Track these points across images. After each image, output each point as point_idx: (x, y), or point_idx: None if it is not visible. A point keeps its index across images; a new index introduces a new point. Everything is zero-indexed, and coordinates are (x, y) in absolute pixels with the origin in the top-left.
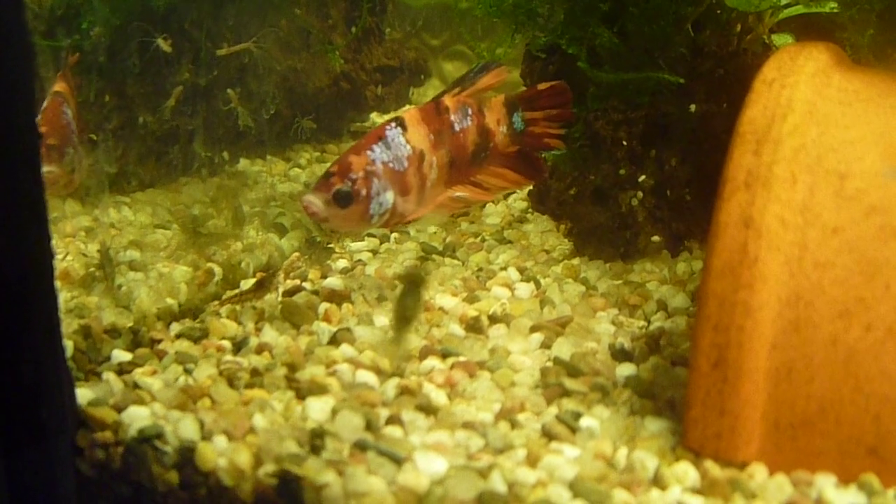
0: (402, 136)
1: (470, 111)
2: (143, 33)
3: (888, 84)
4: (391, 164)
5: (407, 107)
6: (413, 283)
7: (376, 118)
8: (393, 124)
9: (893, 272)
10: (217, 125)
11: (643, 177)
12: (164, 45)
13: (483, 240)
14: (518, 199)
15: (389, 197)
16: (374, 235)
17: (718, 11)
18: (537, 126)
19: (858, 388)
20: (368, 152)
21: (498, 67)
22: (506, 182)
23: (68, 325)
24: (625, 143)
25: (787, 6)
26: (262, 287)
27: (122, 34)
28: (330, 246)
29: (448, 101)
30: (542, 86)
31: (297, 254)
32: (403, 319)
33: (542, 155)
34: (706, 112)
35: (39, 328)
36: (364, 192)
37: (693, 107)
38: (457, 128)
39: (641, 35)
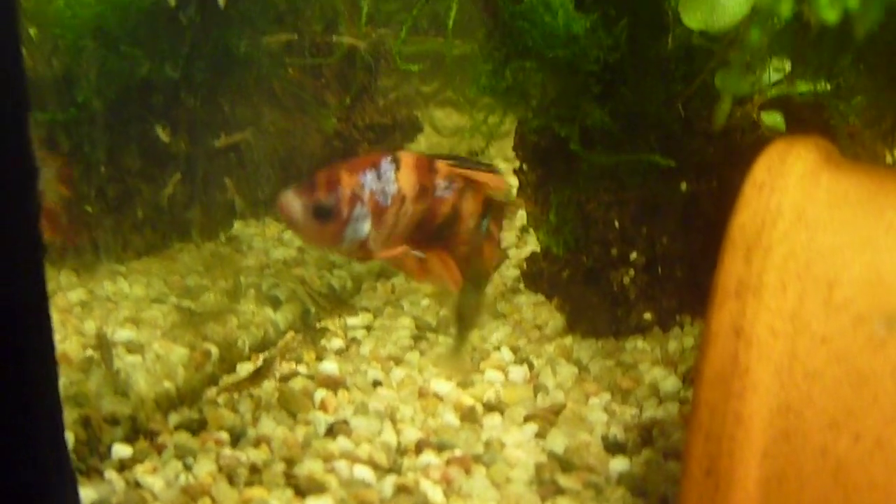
0: (393, 173)
1: (454, 186)
2: (141, 120)
3: (876, 183)
4: (377, 196)
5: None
6: (474, 282)
7: None
8: (389, 158)
9: (881, 383)
10: (213, 205)
11: (635, 255)
12: (162, 133)
13: None
14: (510, 268)
15: (366, 227)
16: (367, 310)
17: (708, 88)
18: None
19: (847, 499)
20: (360, 175)
21: (499, 175)
22: (447, 276)
23: (68, 415)
24: (616, 223)
25: (775, 84)
26: (259, 375)
27: (117, 108)
28: (323, 326)
29: (440, 164)
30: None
31: (292, 333)
32: (465, 320)
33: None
34: (696, 190)
35: (42, 424)
36: (345, 213)
37: (684, 185)
38: (437, 193)
39: (633, 115)
